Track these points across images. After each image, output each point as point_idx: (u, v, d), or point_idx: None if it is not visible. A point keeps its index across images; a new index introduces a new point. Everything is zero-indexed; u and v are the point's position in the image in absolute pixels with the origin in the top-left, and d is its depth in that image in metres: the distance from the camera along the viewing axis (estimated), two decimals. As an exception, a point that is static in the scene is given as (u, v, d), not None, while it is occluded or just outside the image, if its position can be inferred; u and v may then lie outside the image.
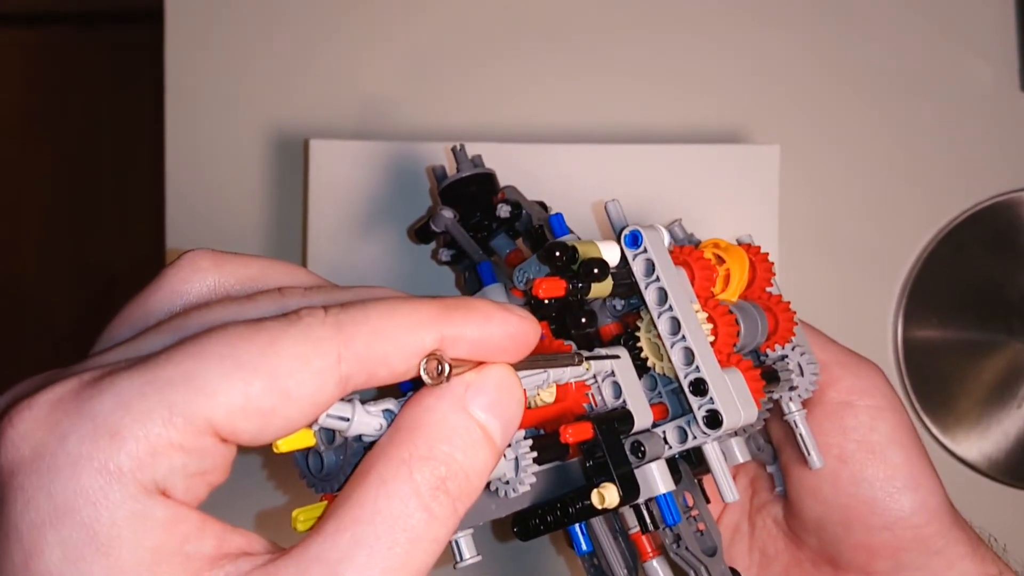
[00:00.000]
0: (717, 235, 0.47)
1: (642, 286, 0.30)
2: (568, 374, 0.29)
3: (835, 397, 0.37)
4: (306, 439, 0.23)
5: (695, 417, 0.30)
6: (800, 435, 0.36)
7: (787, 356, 0.35)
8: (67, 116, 1.21)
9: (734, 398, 0.29)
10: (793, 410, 0.36)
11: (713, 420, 0.29)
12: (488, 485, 0.28)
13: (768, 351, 0.35)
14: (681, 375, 0.30)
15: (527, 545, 0.32)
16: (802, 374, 0.35)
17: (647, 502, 0.32)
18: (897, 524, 0.36)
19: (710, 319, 0.31)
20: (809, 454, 0.36)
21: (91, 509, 0.19)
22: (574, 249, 0.29)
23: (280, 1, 0.50)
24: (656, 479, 0.31)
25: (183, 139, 0.49)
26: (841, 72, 0.52)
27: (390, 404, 0.24)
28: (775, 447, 0.39)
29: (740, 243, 0.36)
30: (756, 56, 0.52)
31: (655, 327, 0.31)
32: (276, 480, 0.48)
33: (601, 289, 0.30)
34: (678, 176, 0.48)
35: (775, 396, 0.35)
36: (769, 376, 0.34)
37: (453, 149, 0.41)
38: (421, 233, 0.41)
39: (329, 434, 0.26)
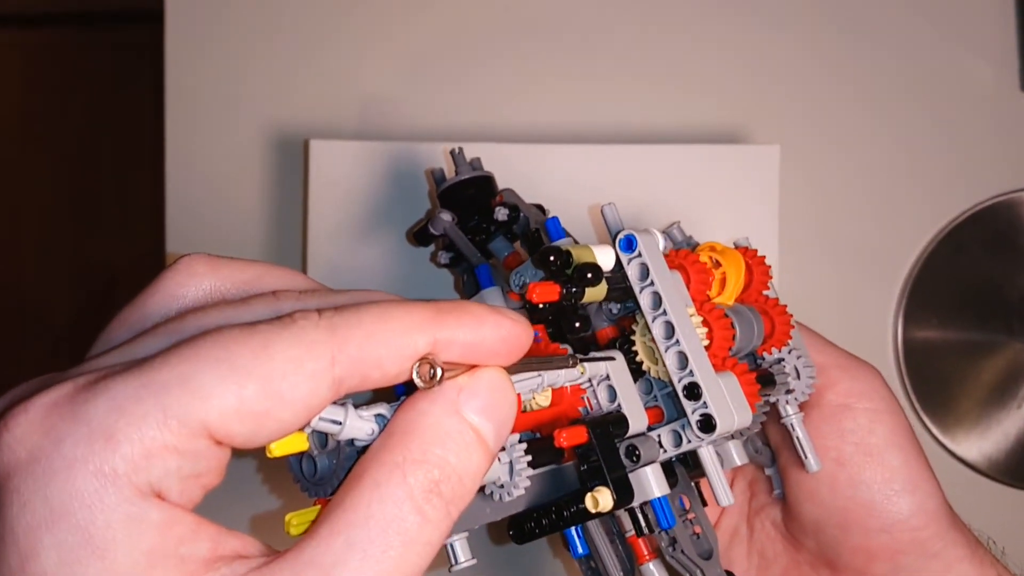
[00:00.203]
0: (717, 235, 0.47)
1: (636, 290, 0.30)
2: (563, 378, 0.29)
3: (833, 400, 0.37)
4: (299, 444, 0.23)
5: (689, 421, 0.30)
6: (797, 438, 0.36)
7: (783, 359, 0.35)
8: (67, 116, 1.21)
9: (728, 402, 0.30)
10: (790, 413, 0.36)
11: (707, 424, 0.29)
12: (483, 489, 0.28)
13: (765, 354, 0.35)
14: (675, 379, 0.30)
15: (523, 548, 0.32)
16: (798, 377, 0.35)
17: (642, 505, 0.32)
18: (895, 527, 0.36)
19: (705, 323, 0.31)
20: (806, 457, 0.36)
21: (86, 512, 0.19)
22: (568, 253, 0.29)
23: (280, 1, 0.50)
24: (651, 483, 0.31)
25: (183, 139, 0.49)
26: (841, 72, 0.52)
27: (383, 409, 0.24)
28: (773, 450, 0.39)
29: (737, 246, 0.36)
30: (756, 56, 0.52)
31: (650, 331, 0.31)
32: (271, 484, 0.48)
33: (596, 293, 0.30)
34: (678, 176, 0.48)
35: (772, 399, 0.35)
36: (764, 380, 0.34)
37: (452, 152, 0.41)
38: (420, 236, 0.41)
39: (322, 438, 0.26)
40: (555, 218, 0.35)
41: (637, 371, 0.32)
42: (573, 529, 0.35)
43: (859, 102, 0.52)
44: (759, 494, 0.41)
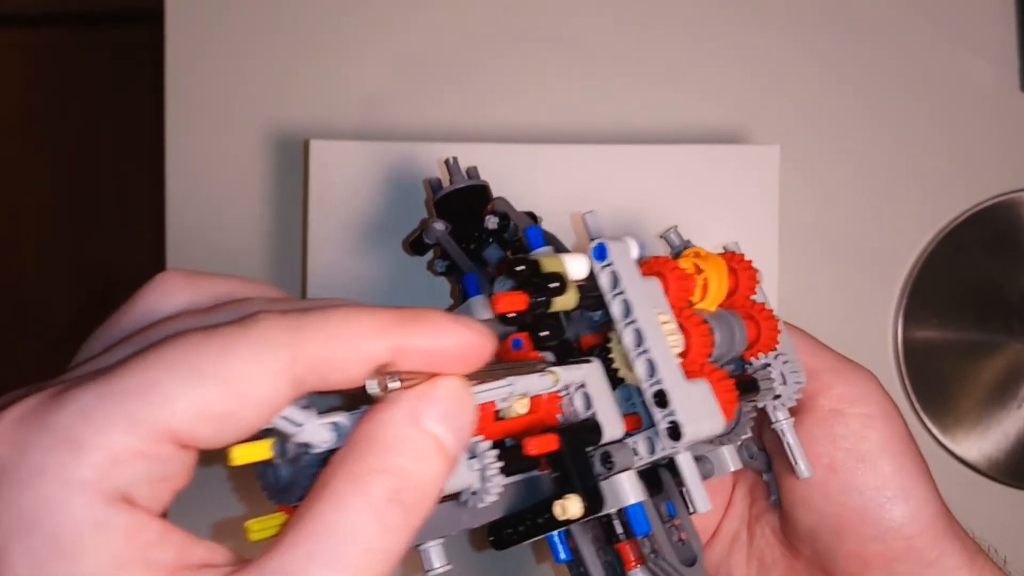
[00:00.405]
0: (716, 236, 0.47)
1: (608, 299, 0.31)
2: (536, 386, 0.29)
3: (825, 405, 0.36)
4: (262, 452, 0.24)
5: (657, 429, 0.30)
6: (787, 444, 0.35)
7: (770, 364, 0.35)
8: (67, 116, 1.21)
9: (697, 409, 0.29)
10: (780, 418, 0.35)
11: (674, 432, 0.29)
12: (458, 495, 0.28)
13: (752, 359, 0.35)
14: (644, 387, 0.30)
15: (506, 554, 0.32)
16: (785, 383, 0.35)
17: (619, 512, 0.32)
18: (888, 534, 0.35)
19: (683, 329, 0.31)
20: (796, 463, 0.35)
21: (55, 519, 0.20)
22: (536, 263, 0.29)
23: (281, 1, 0.51)
24: (625, 489, 0.31)
25: (183, 139, 0.49)
26: (841, 72, 0.52)
27: (340, 417, 0.25)
28: (769, 455, 0.39)
29: (727, 250, 0.36)
30: (756, 56, 0.52)
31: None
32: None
33: (564, 302, 0.30)
34: (677, 176, 0.48)
35: (759, 405, 0.35)
36: (746, 386, 0.34)
37: (446, 162, 0.41)
38: (415, 245, 0.41)
39: (283, 448, 0.26)
40: (535, 227, 0.36)
41: (618, 378, 0.32)
42: (556, 535, 0.35)
43: (859, 102, 0.52)
44: (759, 500, 0.40)
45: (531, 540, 0.31)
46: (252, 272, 0.49)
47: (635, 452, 0.31)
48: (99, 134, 1.20)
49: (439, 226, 0.39)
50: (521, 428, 0.30)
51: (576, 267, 0.31)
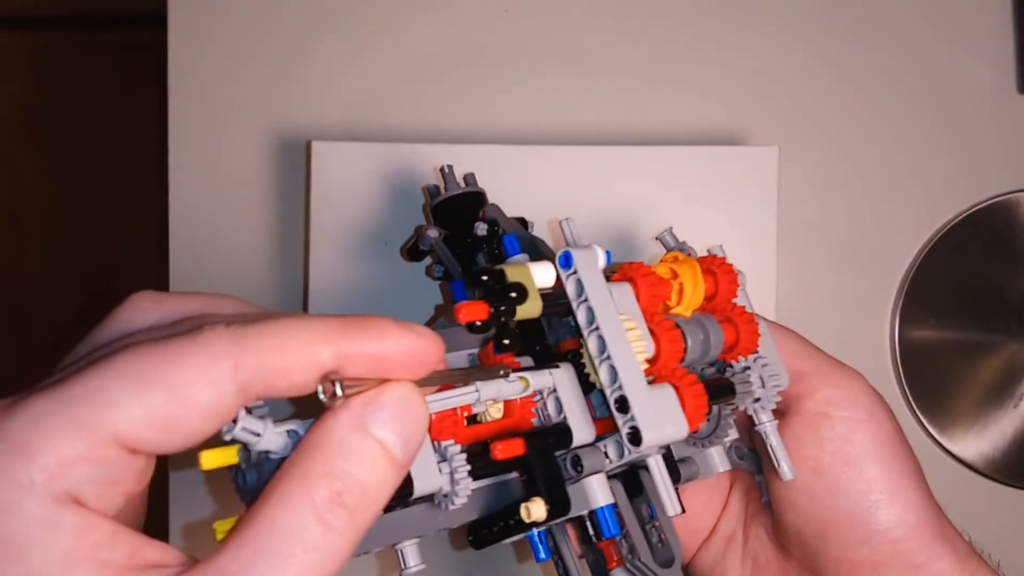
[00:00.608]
0: (715, 237, 0.47)
1: (574, 306, 0.31)
2: (506, 391, 0.30)
3: (812, 408, 0.36)
4: (229, 457, 0.25)
5: (620, 434, 0.30)
6: (770, 446, 0.35)
7: (749, 368, 0.35)
8: (70, 117, 1.22)
9: (658, 415, 0.30)
10: (763, 421, 0.35)
11: (635, 437, 0.29)
12: (432, 498, 0.29)
13: (733, 362, 0.35)
14: (607, 393, 0.30)
15: (488, 553, 0.33)
16: (764, 386, 0.35)
17: (589, 514, 0.33)
18: (874, 539, 0.35)
19: (654, 335, 0.31)
20: (779, 465, 0.35)
21: (5, 519, 0.21)
22: (501, 272, 0.30)
23: (282, 3, 0.51)
24: (595, 492, 0.32)
25: (186, 141, 0.50)
26: (840, 74, 0.53)
27: (294, 425, 0.26)
28: (760, 456, 0.39)
29: (710, 253, 0.36)
30: (755, 58, 0.52)
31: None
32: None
33: (528, 310, 0.30)
34: (676, 178, 0.48)
35: (740, 407, 0.35)
36: (720, 389, 0.34)
37: (441, 169, 0.41)
38: (411, 252, 0.42)
39: (248, 453, 0.27)
40: (511, 235, 0.36)
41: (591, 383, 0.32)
42: (536, 534, 0.35)
43: (858, 103, 0.53)
44: (754, 501, 0.41)
45: (508, 540, 0.32)
46: (254, 273, 0.49)
47: (606, 455, 0.31)
48: (101, 135, 1.21)
49: (433, 233, 0.40)
50: (492, 432, 0.31)
51: (543, 275, 0.31)
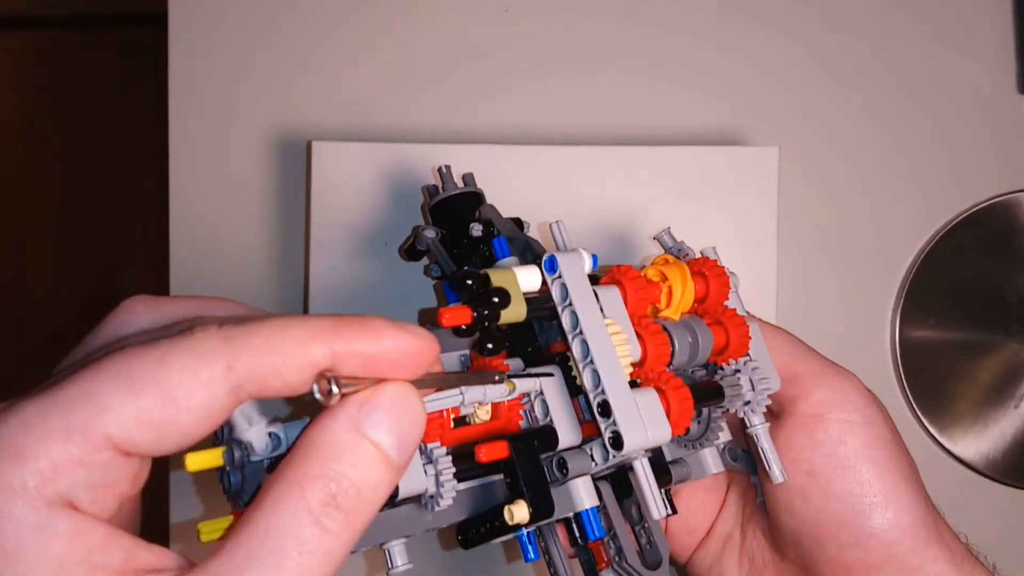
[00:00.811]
0: (715, 237, 0.47)
1: (559, 310, 0.31)
2: (491, 394, 0.30)
3: (806, 410, 0.36)
4: (214, 459, 0.25)
5: (602, 438, 0.30)
6: (762, 449, 0.35)
7: (740, 371, 0.35)
8: (72, 118, 1.22)
9: (640, 420, 0.30)
10: (755, 423, 0.35)
11: (616, 441, 0.30)
12: (420, 499, 0.29)
13: (724, 365, 0.35)
14: (590, 397, 0.30)
15: (477, 553, 0.33)
16: (753, 389, 0.35)
17: (574, 516, 0.33)
18: (868, 541, 0.35)
19: (640, 338, 0.31)
20: (771, 467, 0.35)
21: None
22: (486, 277, 0.30)
23: (283, 3, 0.51)
24: (580, 495, 0.32)
25: (187, 141, 0.50)
26: (840, 74, 0.53)
27: (276, 428, 0.26)
28: (754, 458, 0.39)
29: (703, 255, 0.36)
30: (755, 58, 0.52)
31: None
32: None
33: (513, 314, 0.30)
34: (677, 178, 0.48)
35: (730, 410, 0.35)
36: (708, 393, 0.34)
37: (439, 170, 0.42)
38: (409, 252, 0.42)
39: (233, 456, 0.28)
40: (501, 238, 0.36)
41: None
42: (525, 534, 0.35)
43: (858, 104, 0.53)
44: (751, 501, 0.41)
45: (497, 540, 0.32)
46: (254, 273, 0.49)
47: (592, 458, 0.32)
48: (102, 135, 1.21)
49: (429, 233, 0.40)
50: (480, 434, 0.31)
51: (529, 279, 0.31)
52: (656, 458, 0.36)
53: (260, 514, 0.22)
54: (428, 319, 0.46)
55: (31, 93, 1.23)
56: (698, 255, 0.37)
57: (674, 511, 0.37)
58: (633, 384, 0.31)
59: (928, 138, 0.53)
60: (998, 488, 0.52)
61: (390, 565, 0.31)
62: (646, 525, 0.36)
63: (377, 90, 0.51)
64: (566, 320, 0.31)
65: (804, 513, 0.36)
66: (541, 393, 0.31)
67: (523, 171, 0.47)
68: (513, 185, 0.46)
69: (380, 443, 0.24)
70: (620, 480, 0.36)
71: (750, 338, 0.34)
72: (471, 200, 0.41)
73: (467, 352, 0.34)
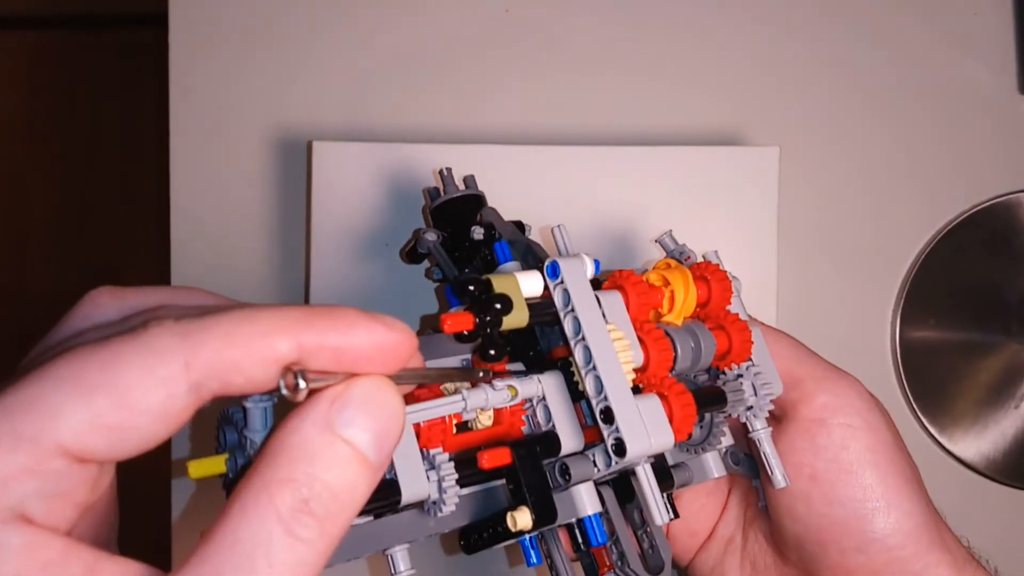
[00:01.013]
0: (715, 237, 0.48)
1: (561, 316, 0.31)
2: (493, 399, 0.30)
3: (808, 415, 0.36)
4: (216, 466, 0.25)
5: (605, 444, 0.30)
6: (764, 453, 0.35)
7: (742, 376, 0.35)
8: (72, 118, 1.22)
9: (643, 426, 0.30)
10: (757, 428, 0.35)
11: (619, 448, 0.30)
12: (422, 504, 0.29)
13: (726, 370, 0.35)
14: (593, 403, 0.30)
15: (480, 557, 0.33)
16: (756, 394, 0.35)
17: (577, 522, 0.33)
18: (870, 546, 0.35)
19: (643, 344, 0.31)
20: (773, 472, 0.35)
21: None
22: (488, 282, 0.30)
23: (283, 3, 0.51)
24: (583, 501, 0.32)
25: (187, 141, 0.50)
26: (840, 74, 0.53)
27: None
28: (756, 461, 0.39)
29: (705, 259, 0.36)
30: (755, 58, 0.52)
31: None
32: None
33: (515, 320, 0.30)
34: (677, 178, 0.48)
35: (732, 415, 0.35)
36: (711, 398, 0.34)
37: (440, 172, 0.42)
38: (410, 255, 0.42)
39: (236, 462, 0.27)
40: (503, 242, 0.36)
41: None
42: (527, 539, 0.35)
43: (858, 104, 0.53)
44: (753, 504, 0.41)
45: (499, 545, 0.32)
46: (255, 273, 0.49)
47: (595, 464, 0.31)
48: (103, 135, 1.21)
49: (430, 236, 0.40)
50: (482, 440, 0.31)
51: (531, 285, 0.31)
52: (658, 463, 0.36)
53: (227, 524, 0.21)
54: (430, 325, 0.46)
55: (31, 93, 1.23)
56: (700, 257, 0.37)
57: (676, 515, 0.37)
58: (636, 390, 0.31)
59: (928, 138, 0.53)
60: (998, 488, 0.52)
61: (393, 571, 0.30)
62: (648, 529, 0.36)
63: (378, 90, 0.51)
64: (568, 326, 0.31)
65: (806, 518, 0.36)
66: (543, 398, 0.31)
67: (523, 171, 0.47)
68: (513, 185, 0.46)
69: (354, 442, 0.22)
70: (622, 484, 0.36)
71: (752, 343, 0.34)
72: (472, 203, 0.41)
73: (469, 357, 0.34)
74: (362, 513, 0.26)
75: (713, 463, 0.38)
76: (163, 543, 0.46)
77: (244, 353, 0.21)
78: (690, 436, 0.35)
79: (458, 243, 0.40)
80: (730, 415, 0.35)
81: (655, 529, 0.36)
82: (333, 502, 0.22)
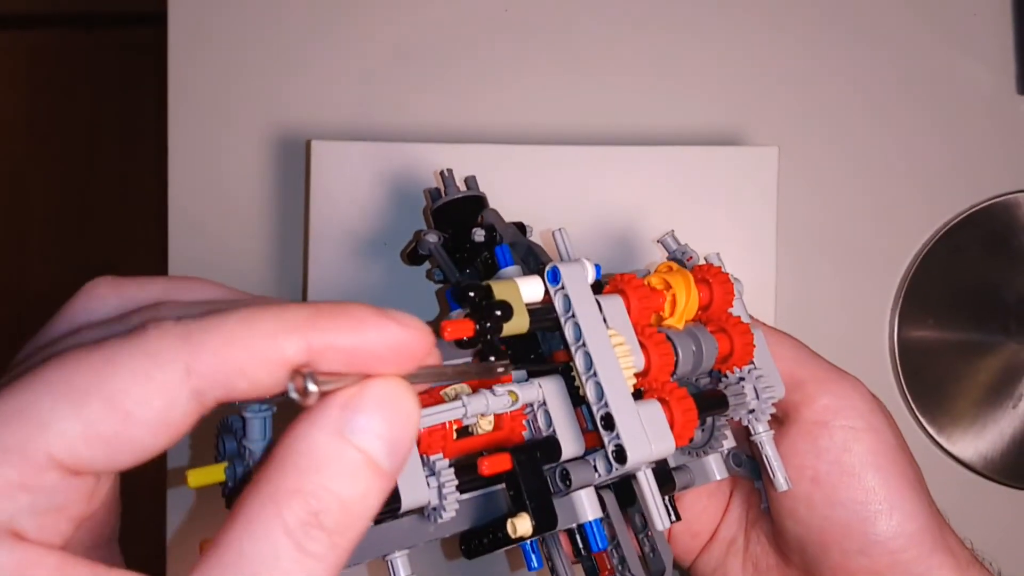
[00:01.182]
0: (715, 237, 0.48)
1: (562, 322, 0.31)
2: (494, 405, 0.30)
3: (810, 417, 0.36)
4: (216, 475, 0.24)
5: (606, 450, 0.30)
6: (766, 456, 0.35)
7: (744, 379, 0.35)
8: (72, 117, 1.22)
9: (644, 432, 0.30)
10: (759, 431, 0.35)
11: (620, 455, 0.29)
12: (422, 510, 0.29)
13: (728, 373, 0.35)
14: (593, 409, 0.30)
15: (480, 561, 0.33)
16: (757, 397, 0.35)
17: (578, 527, 0.33)
18: (872, 549, 0.35)
19: (644, 348, 0.31)
20: (775, 475, 0.35)
21: None
22: (488, 289, 0.30)
23: (282, 2, 0.51)
24: (583, 507, 0.32)
25: (186, 140, 0.50)
26: (840, 74, 0.53)
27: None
28: (759, 463, 0.39)
29: (707, 261, 0.36)
30: (755, 58, 0.52)
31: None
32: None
33: (516, 326, 0.30)
34: (676, 177, 0.48)
35: (734, 418, 0.35)
36: (710, 403, 0.34)
37: (441, 173, 0.41)
38: (411, 256, 0.42)
39: (235, 471, 0.27)
40: (504, 246, 0.36)
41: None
42: (528, 544, 0.35)
43: (857, 104, 0.53)
44: (755, 506, 0.40)
45: (500, 550, 0.32)
46: (253, 272, 0.49)
47: (596, 469, 0.31)
48: (102, 134, 1.21)
49: (432, 238, 0.40)
50: (483, 445, 0.31)
51: (531, 290, 0.31)
52: (660, 466, 0.36)
53: (232, 536, 0.19)
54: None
55: (31, 93, 1.23)
56: (702, 258, 0.37)
57: (678, 518, 0.37)
58: (638, 394, 0.31)
59: (927, 138, 0.53)
60: (996, 488, 0.52)
61: None
62: (649, 533, 0.36)
63: (377, 89, 0.51)
64: (569, 332, 0.31)
65: (809, 520, 0.36)
66: (544, 403, 0.31)
67: (522, 171, 0.47)
68: (512, 185, 0.46)
69: (367, 449, 0.20)
70: (624, 488, 0.36)
71: (754, 346, 0.34)
72: (473, 204, 0.41)
73: (469, 360, 0.34)
74: None
75: (715, 465, 0.38)
76: (158, 554, 0.46)
77: (249, 356, 0.20)
78: (691, 439, 0.36)
79: (459, 245, 0.40)
80: (732, 418, 0.35)
81: (656, 533, 0.36)
82: (344, 514, 0.20)
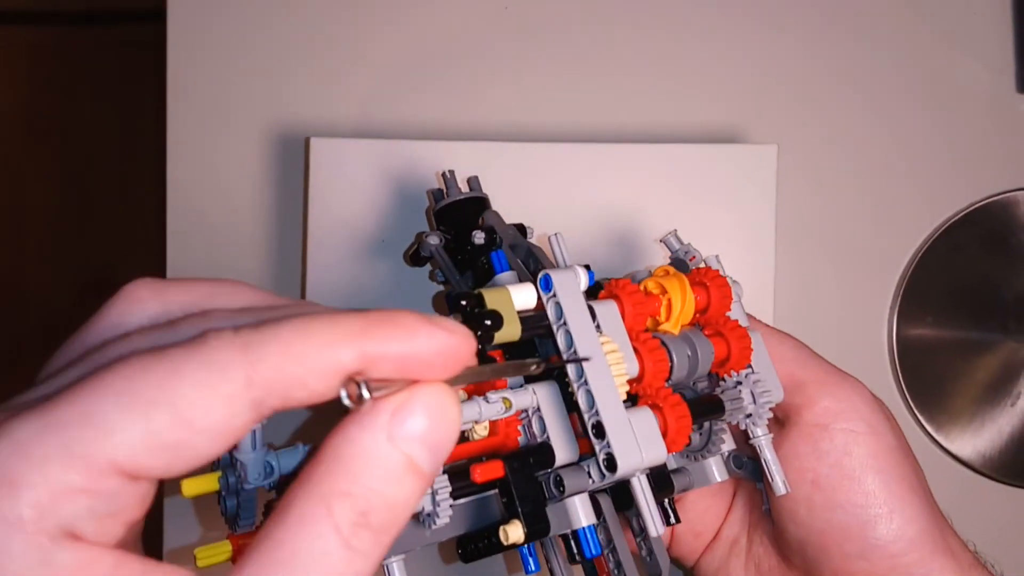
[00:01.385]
0: (713, 235, 0.48)
1: (554, 329, 0.31)
2: (487, 411, 0.30)
3: (811, 419, 0.36)
4: (210, 484, 0.25)
5: (597, 459, 0.30)
6: (765, 460, 0.35)
7: (741, 383, 0.35)
8: (70, 115, 1.22)
9: (635, 441, 0.30)
10: (758, 435, 0.35)
11: (610, 463, 0.30)
12: (417, 516, 0.29)
13: (725, 377, 0.35)
14: (585, 418, 0.30)
15: (477, 565, 0.33)
16: (755, 401, 0.35)
17: (572, 533, 0.33)
18: (872, 553, 0.35)
19: (638, 354, 0.31)
20: (773, 479, 0.35)
21: None
22: (480, 297, 0.30)
23: (282, 0, 0.51)
24: (576, 513, 0.32)
25: (184, 138, 0.50)
26: (839, 72, 0.53)
27: (271, 456, 0.26)
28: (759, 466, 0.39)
29: (706, 263, 0.36)
30: (754, 56, 0.52)
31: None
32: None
33: (507, 334, 0.30)
34: (675, 175, 0.48)
35: (732, 423, 0.35)
36: (708, 407, 0.34)
37: (443, 174, 0.42)
38: (414, 258, 0.42)
39: (229, 481, 0.28)
40: (499, 251, 0.36)
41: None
42: (525, 547, 0.35)
43: (856, 102, 0.53)
44: (758, 507, 0.40)
45: (496, 554, 0.32)
46: (252, 270, 0.49)
47: (590, 475, 0.31)
48: (102, 132, 1.21)
49: (433, 240, 0.40)
50: (478, 451, 0.31)
51: (524, 298, 0.31)
52: (658, 469, 0.36)
53: (285, 534, 0.20)
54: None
55: (31, 90, 1.23)
56: (703, 259, 0.37)
57: (678, 520, 0.37)
58: (632, 400, 0.31)
59: (927, 137, 0.53)
60: (995, 486, 0.52)
61: None
62: (646, 536, 0.36)
63: (376, 87, 0.51)
64: (561, 340, 0.31)
65: (809, 523, 0.36)
66: (538, 410, 0.31)
67: (521, 168, 0.47)
68: (511, 182, 0.46)
69: (412, 454, 0.21)
70: (620, 490, 0.36)
71: (752, 350, 0.34)
72: (476, 205, 0.41)
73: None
74: None
75: (715, 467, 0.38)
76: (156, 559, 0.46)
77: (308, 367, 0.20)
78: (689, 443, 0.36)
79: (460, 246, 0.40)
80: (730, 422, 0.35)
81: (653, 539, 0.36)
82: (389, 514, 0.21)
